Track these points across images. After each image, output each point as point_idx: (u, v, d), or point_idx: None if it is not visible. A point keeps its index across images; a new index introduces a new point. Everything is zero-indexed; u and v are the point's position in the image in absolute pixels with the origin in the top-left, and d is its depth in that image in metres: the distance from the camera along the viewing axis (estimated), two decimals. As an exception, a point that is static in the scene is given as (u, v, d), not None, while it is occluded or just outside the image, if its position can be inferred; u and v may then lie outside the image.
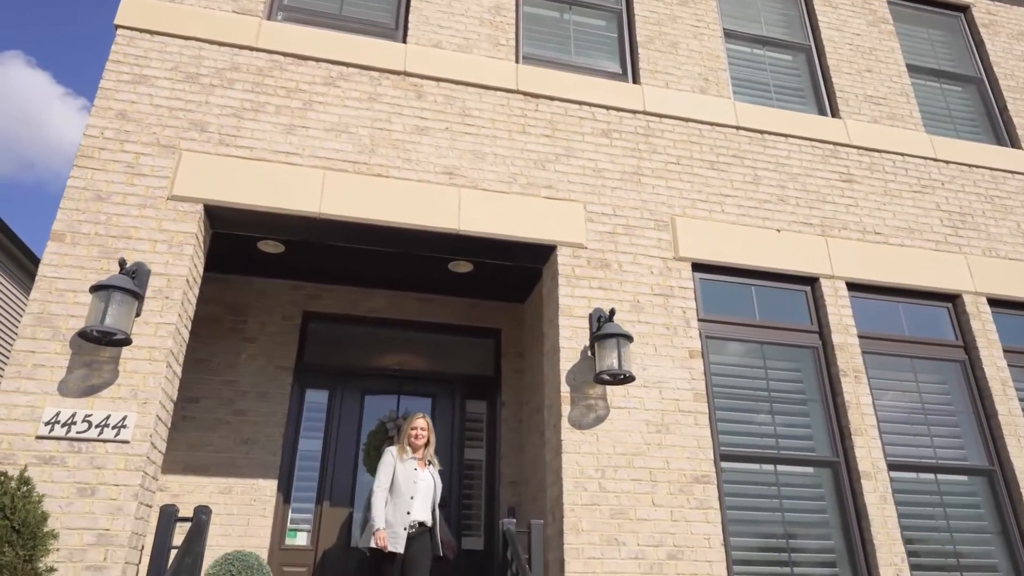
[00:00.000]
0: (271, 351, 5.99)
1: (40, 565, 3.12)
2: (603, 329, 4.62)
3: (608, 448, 4.58)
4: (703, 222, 5.48)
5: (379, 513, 4.56)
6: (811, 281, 5.58)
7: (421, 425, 4.90)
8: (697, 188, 5.62)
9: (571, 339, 4.82)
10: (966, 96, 7.18)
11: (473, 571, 5.74)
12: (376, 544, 4.45)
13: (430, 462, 4.89)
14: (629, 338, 4.62)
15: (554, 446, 4.67)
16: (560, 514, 4.39)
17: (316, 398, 6.09)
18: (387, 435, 5.85)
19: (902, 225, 5.96)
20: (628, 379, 4.59)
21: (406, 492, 4.66)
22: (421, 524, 4.64)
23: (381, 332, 6.41)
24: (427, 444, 4.88)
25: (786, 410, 5.16)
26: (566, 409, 4.62)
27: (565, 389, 4.67)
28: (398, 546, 4.48)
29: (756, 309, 5.41)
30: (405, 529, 4.54)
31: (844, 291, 5.52)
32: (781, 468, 4.96)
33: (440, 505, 4.92)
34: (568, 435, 4.55)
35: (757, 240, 5.52)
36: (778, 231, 5.61)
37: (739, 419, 5.03)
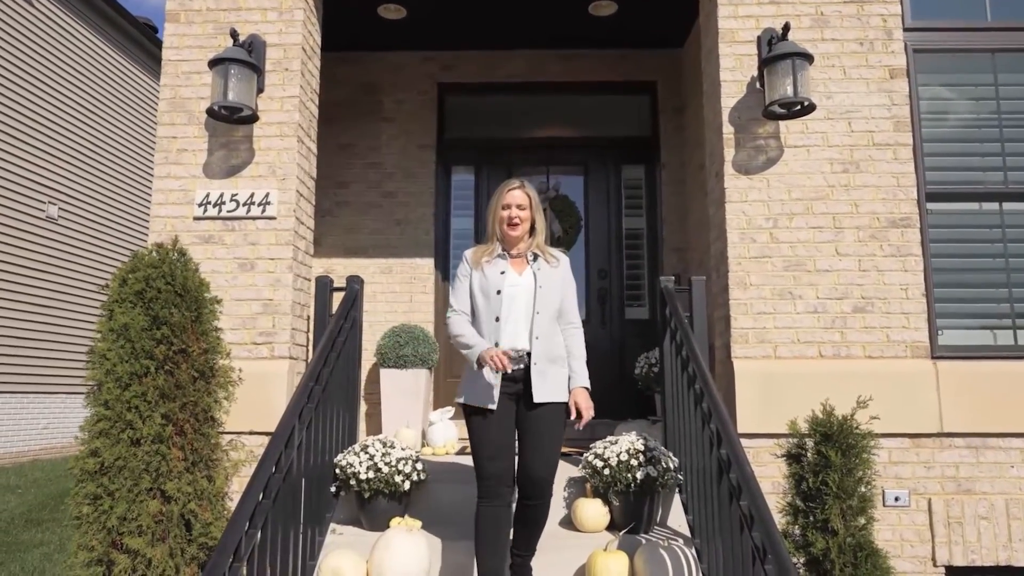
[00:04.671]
0: (410, 129, 5.77)
1: (208, 327, 3.29)
2: (774, 50, 3.77)
3: (781, 194, 3.93)
4: None
5: (467, 339, 2.88)
6: (1074, -43, 4.14)
7: (518, 200, 2.94)
8: None
9: (734, 70, 4.02)
10: None
11: (638, 340, 5.59)
12: (490, 366, 2.74)
13: (536, 256, 2.99)
14: (808, 57, 3.74)
15: (716, 196, 4.11)
16: (725, 269, 3.93)
17: (462, 176, 5.90)
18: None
19: None
20: (807, 109, 3.79)
21: (487, 313, 2.91)
22: (526, 355, 2.89)
23: (523, 100, 5.92)
24: (532, 231, 3.00)
25: (1021, 135, 4.09)
26: (730, 153, 3.97)
27: (728, 130, 3.98)
28: (489, 400, 2.85)
29: (987, 7, 4.15)
30: (497, 372, 2.78)
31: (1125, -35, 4.05)
32: (1009, 206, 4.03)
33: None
34: (732, 182, 3.95)
35: (995, -92, 4.11)
36: None
37: (954, 150, 4.07)
